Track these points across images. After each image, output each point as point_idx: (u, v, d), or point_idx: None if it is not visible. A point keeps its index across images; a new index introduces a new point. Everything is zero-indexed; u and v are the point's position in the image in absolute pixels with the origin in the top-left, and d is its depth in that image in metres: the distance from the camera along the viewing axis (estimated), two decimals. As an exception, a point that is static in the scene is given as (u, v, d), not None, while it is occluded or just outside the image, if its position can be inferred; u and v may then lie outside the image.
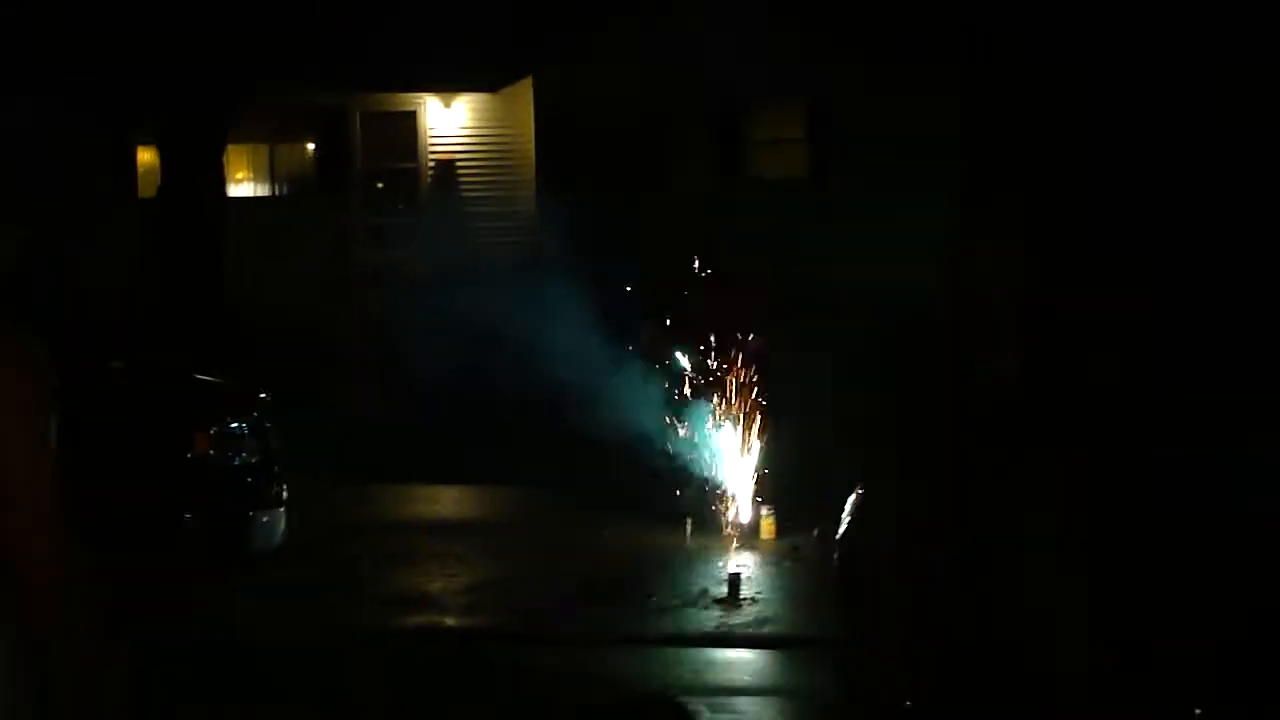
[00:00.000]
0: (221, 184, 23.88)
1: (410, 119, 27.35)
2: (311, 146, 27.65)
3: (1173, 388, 10.77)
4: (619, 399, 16.40)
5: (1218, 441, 9.15)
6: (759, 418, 15.88)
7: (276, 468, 12.93)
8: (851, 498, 11.74)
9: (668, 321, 16.50)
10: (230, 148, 25.12)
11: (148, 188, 25.19)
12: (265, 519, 12.70)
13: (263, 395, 13.35)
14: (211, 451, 12.48)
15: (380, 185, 27.77)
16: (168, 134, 23.16)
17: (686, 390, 16.07)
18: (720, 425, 15.85)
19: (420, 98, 27.15)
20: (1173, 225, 20.36)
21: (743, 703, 11.16)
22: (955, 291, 5.52)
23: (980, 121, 23.24)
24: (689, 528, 15.71)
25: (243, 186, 27.07)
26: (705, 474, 15.82)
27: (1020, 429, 5.43)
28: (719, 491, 15.69)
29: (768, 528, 15.94)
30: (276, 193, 27.26)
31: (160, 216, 22.88)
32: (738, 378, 15.90)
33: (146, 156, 25.99)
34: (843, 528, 11.82)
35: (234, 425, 12.75)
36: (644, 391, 16.27)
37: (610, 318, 17.87)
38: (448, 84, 26.85)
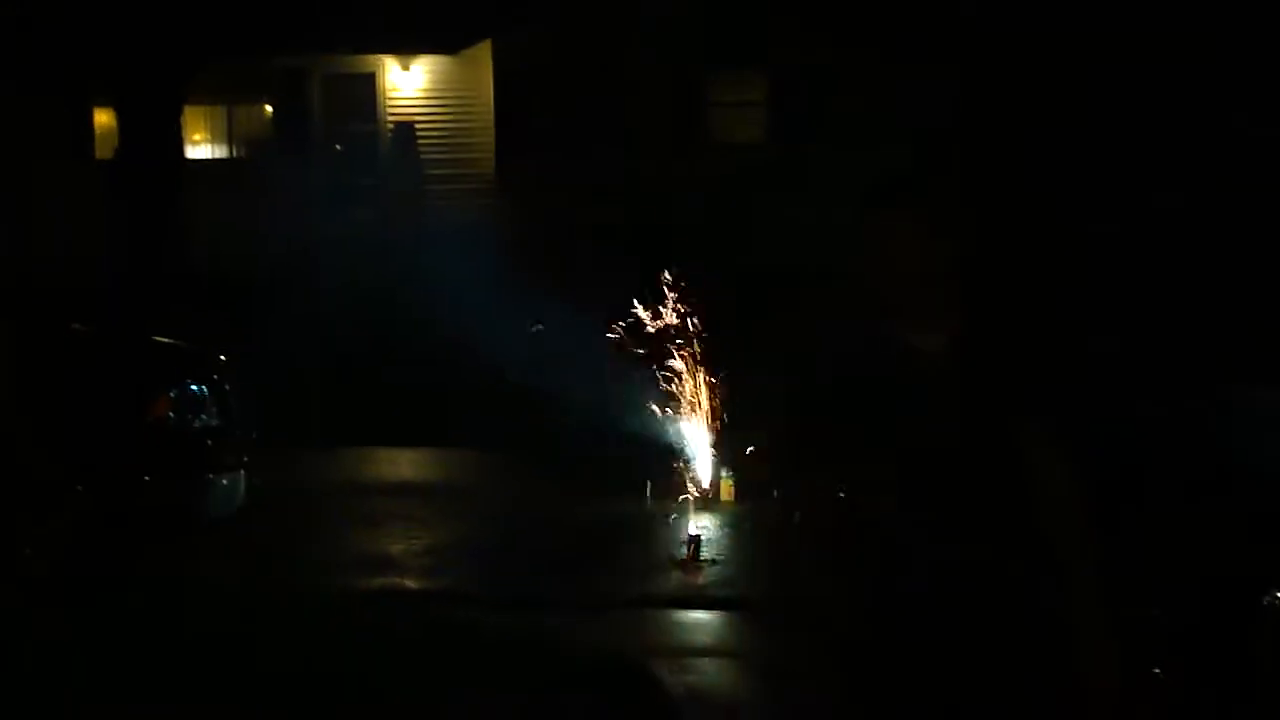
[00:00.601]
0: (180, 146, 23.76)
1: (369, 81, 27.27)
2: (270, 108, 27.51)
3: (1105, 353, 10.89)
4: (580, 366, 16.42)
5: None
6: (718, 382, 15.89)
7: (236, 430, 12.86)
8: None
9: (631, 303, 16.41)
10: (188, 109, 25.01)
11: (105, 149, 25.06)
12: (225, 482, 12.63)
13: (222, 358, 13.27)
14: (170, 414, 12.40)
15: (339, 147, 27.65)
16: (124, 96, 23.02)
17: (646, 357, 16.01)
18: (680, 390, 15.86)
19: (379, 60, 27.07)
20: (1109, 191, 20.46)
21: (705, 664, 11.19)
22: (875, 262, 5.53)
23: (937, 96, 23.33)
24: (648, 490, 15.73)
25: (201, 148, 26.94)
26: (664, 437, 15.84)
27: (943, 401, 5.49)
28: (678, 454, 15.71)
29: (727, 490, 15.98)
30: (235, 154, 27.14)
31: (118, 178, 22.76)
32: (696, 345, 15.88)
33: (104, 118, 25.85)
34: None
35: (193, 388, 12.67)
36: (605, 359, 16.27)
37: (572, 289, 17.86)
38: (407, 46, 26.75)
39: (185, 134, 24.90)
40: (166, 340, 13.72)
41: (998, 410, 5.46)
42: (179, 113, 23.58)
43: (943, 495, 5.53)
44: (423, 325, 19.92)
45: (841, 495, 5.76)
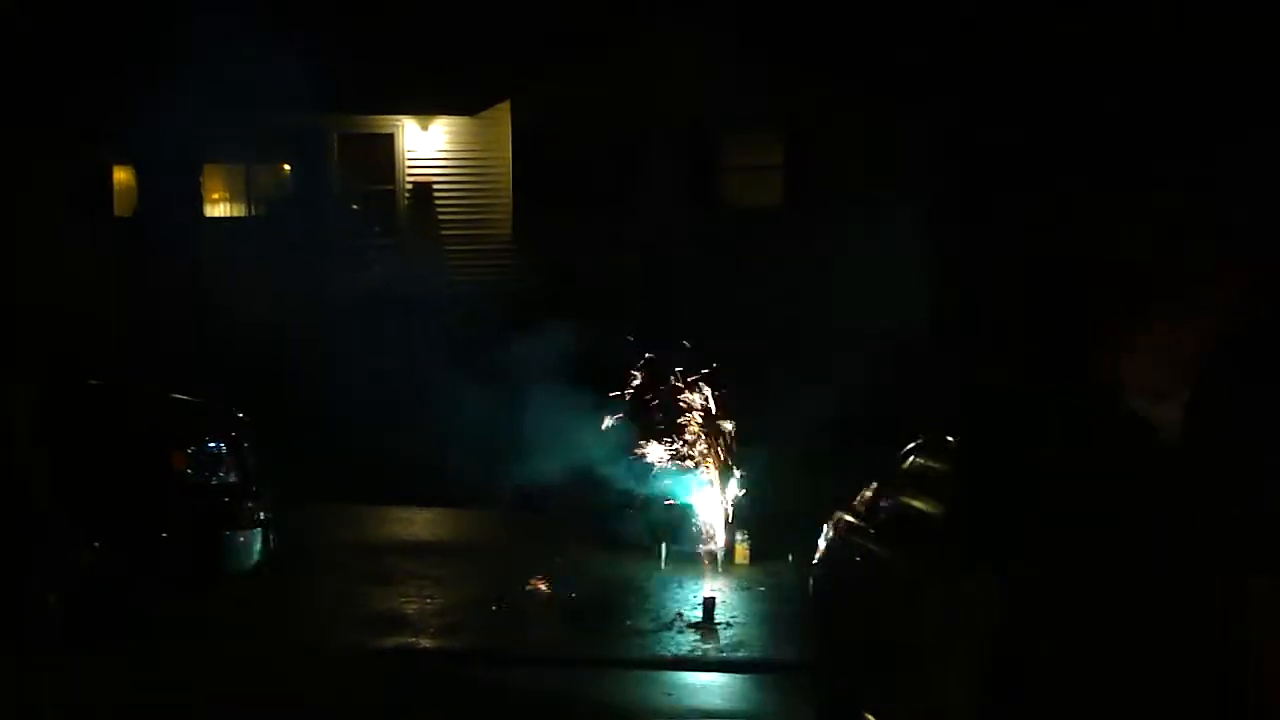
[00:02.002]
0: (198, 204, 23.90)
1: (388, 141, 27.36)
2: (288, 167, 27.64)
3: None
4: (591, 434, 16.46)
5: None
6: (731, 447, 15.90)
7: (254, 488, 12.91)
8: (828, 525, 11.83)
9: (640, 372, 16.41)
10: (207, 168, 25.16)
11: (124, 207, 25.20)
12: (242, 539, 12.65)
13: (241, 415, 13.34)
14: (189, 471, 12.44)
15: (356, 207, 27.75)
16: (144, 154, 23.17)
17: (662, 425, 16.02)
18: (694, 454, 15.87)
19: (398, 120, 27.18)
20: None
21: (718, 725, 11.22)
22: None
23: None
24: (664, 553, 15.78)
25: (219, 207, 27.06)
26: (680, 501, 15.86)
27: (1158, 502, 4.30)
28: (693, 518, 15.74)
29: (741, 553, 16.02)
30: (253, 213, 27.24)
31: (137, 236, 22.89)
32: (708, 413, 15.87)
33: (122, 176, 25.99)
34: (819, 554, 11.93)
35: (212, 445, 12.72)
36: (617, 427, 16.30)
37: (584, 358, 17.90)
38: (425, 106, 26.88)
39: (204, 192, 25.07)
40: (185, 397, 13.78)
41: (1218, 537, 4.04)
42: (199, 172, 23.75)
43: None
44: (439, 385, 19.95)
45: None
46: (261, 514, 12.99)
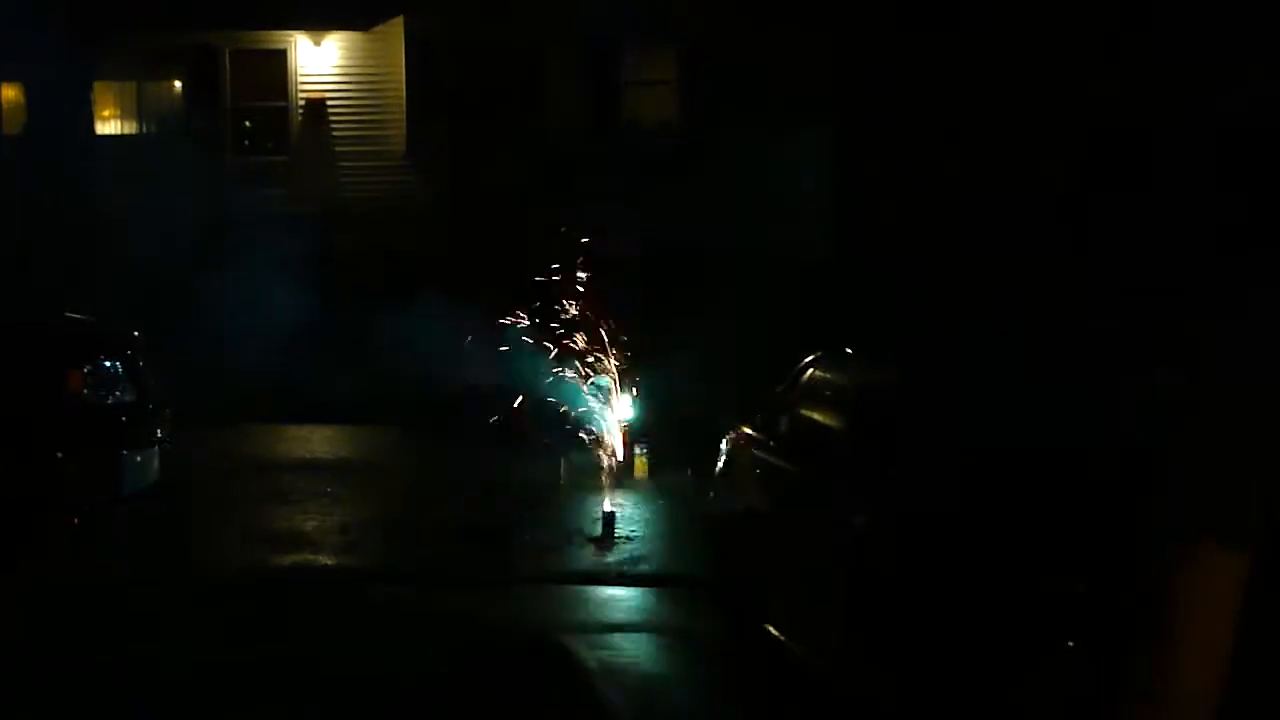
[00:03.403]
0: (89, 122, 23.58)
1: (280, 57, 27.05)
2: (180, 85, 27.30)
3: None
4: (489, 346, 16.43)
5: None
6: (630, 362, 15.91)
7: (151, 406, 12.81)
8: (727, 438, 11.92)
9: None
10: (97, 85, 24.82)
11: (12, 125, 24.84)
12: (139, 458, 12.57)
13: (136, 334, 13.21)
14: (85, 390, 12.34)
15: (249, 124, 27.47)
16: (32, 72, 22.85)
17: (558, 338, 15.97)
18: (592, 369, 15.87)
19: (290, 36, 26.87)
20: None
21: (619, 639, 11.26)
22: None
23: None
24: (563, 468, 15.81)
25: (110, 124, 26.71)
26: (578, 416, 15.87)
27: None
28: (592, 432, 15.76)
29: (641, 466, 16.08)
30: (145, 131, 26.90)
31: (26, 154, 22.59)
32: (607, 326, 15.85)
33: (10, 93, 25.60)
34: (719, 467, 12.01)
35: (107, 364, 12.61)
36: (514, 342, 16.27)
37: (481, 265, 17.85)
38: (318, 22, 26.59)
39: (95, 110, 24.74)
40: (80, 316, 13.64)
41: None
42: (89, 89, 23.43)
43: None
44: (336, 302, 19.88)
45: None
46: (159, 432, 12.91)
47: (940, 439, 8.86)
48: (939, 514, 8.13)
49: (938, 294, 18.33)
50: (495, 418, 16.11)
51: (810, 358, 11.09)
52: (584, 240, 16.06)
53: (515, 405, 15.88)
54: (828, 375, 10.67)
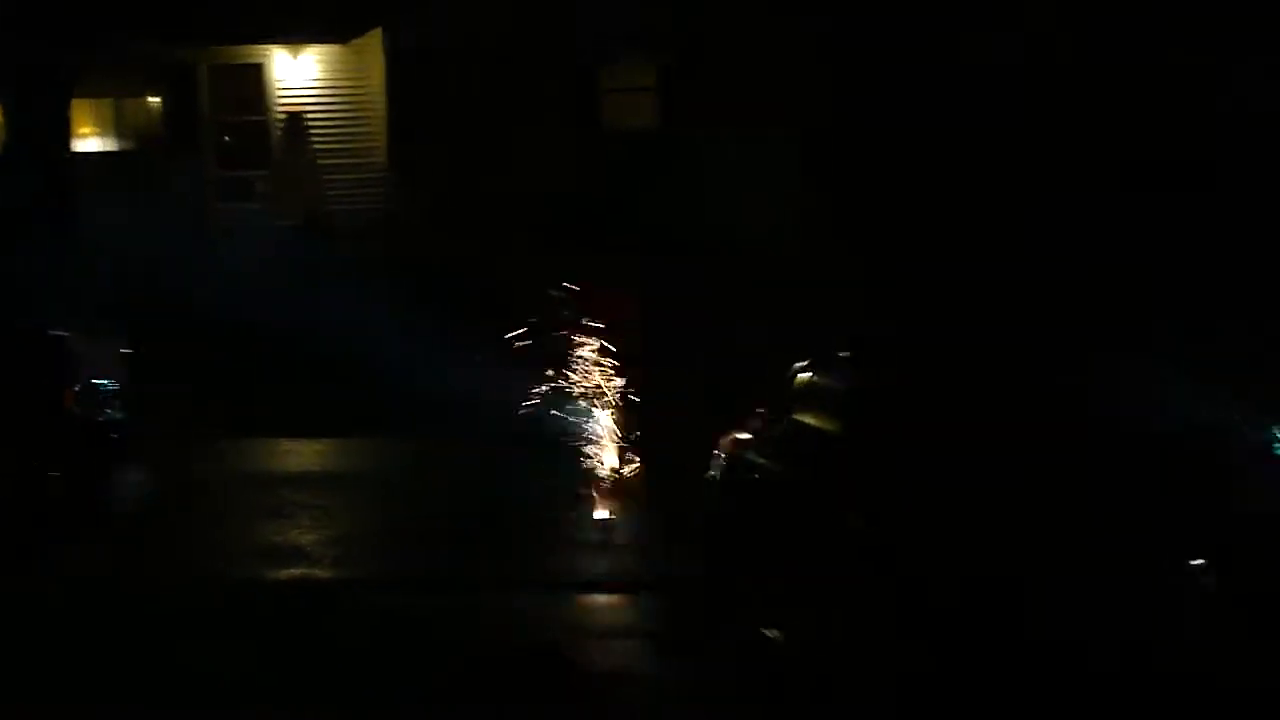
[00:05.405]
0: (67, 139, 23.57)
1: (258, 71, 27.07)
2: (158, 100, 27.29)
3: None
4: (481, 360, 16.48)
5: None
6: (625, 371, 15.93)
7: (142, 423, 12.86)
8: (721, 442, 11.96)
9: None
10: (75, 102, 24.79)
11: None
12: (132, 473, 12.62)
13: (125, 351, 13.26)
14: (77, 408, 12.39)
15: (228, 139, 27.47)
16: (8, 88, 22.83)
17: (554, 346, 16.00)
18: (587, 378, 15.89)
19: (268, 50, 26.87)
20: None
21: (615, 644, 11.31)
22: None
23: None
24: (559, 475, 15.84)
25: (89, 142, 26.69)
26: (573, 425, 15.89)
27: None
28: (587, 440, 15.78)
29: (635, 474, 16.12)
30: (123, 147, 26.90)
31: (5, 172, 22.57)
32: (603, 335, 15.87)
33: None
34: (713, 471, 12.06)
35: (98, 381, 12.67)
36: (508, 353, 16.32)
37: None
38: (296, 35, 26.60)
39: (73, 127, 24.72)
40: (70, 335, 13.66)
41: None
42: (67, 106, 23.42)
43: None
44: (318, 318, 19.86)
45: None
46: (151, 448, 12.96)
47: (935, 440, 8.91)
48: (935, 514, 8.18)
49: (910, 295, 18.44)
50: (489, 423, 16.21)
51: (802, 362, 11.15)
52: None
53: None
54: (819, 379, 10.72)
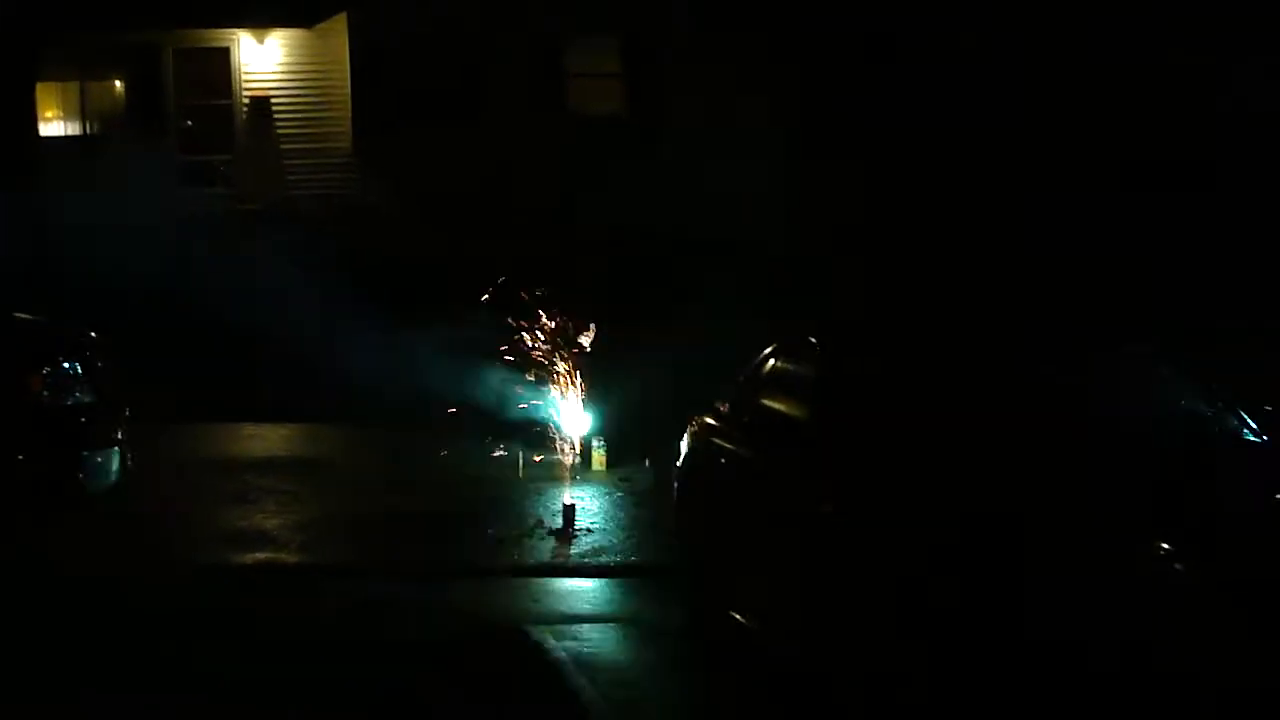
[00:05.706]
0: (33, 122, 23.50)
1: (223, 55, 27.02)
2: (122, 84, 27.22)
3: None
4: (443, 343, 16.51)
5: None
6: (585, 356, 15.97)
7: (110, 407, 12.80)
8: (689, 427, 11.98)
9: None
10: (39, 85, 24.74)
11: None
12: (100, 459, 12.56)
13: (93, 335, 13.20)
14: (44, 392, 12.32)
15: (192, 123, 27.41)
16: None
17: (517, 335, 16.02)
18: (550, 364, 15.93)
19: (233, 34, 26.85)
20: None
21: (584, 629, 11.32)
22: None
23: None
24: (521, 462, 15.90)
25: (53, 125, 26.62)
26: (536, 410, 15.95)
27: None
28: (550, 426, 15.84)
29: (599, 460, 16.20)
30: (88, 131, 26.83)
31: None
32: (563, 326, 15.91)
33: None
34: (681, 457, 12.08)
35: (66, 366, 12.59)
36: (471, 338, 16.36)
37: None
38: (261, 19, 26.56)
39: (38, 111, 24.69)
40: (36, 318, 13.60)
41: None
42: (31, 89, 23.37)
43: None
44: (282, 303, 19.84)
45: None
46: (118, 433, 12.90)
47: (905, 426, 8.94)
48: (905, 501, 8.21)
49: (891, 283, 18.50)
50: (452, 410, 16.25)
51: (771, 346, 11.18)
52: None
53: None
54: (789, 364, 10.75)
